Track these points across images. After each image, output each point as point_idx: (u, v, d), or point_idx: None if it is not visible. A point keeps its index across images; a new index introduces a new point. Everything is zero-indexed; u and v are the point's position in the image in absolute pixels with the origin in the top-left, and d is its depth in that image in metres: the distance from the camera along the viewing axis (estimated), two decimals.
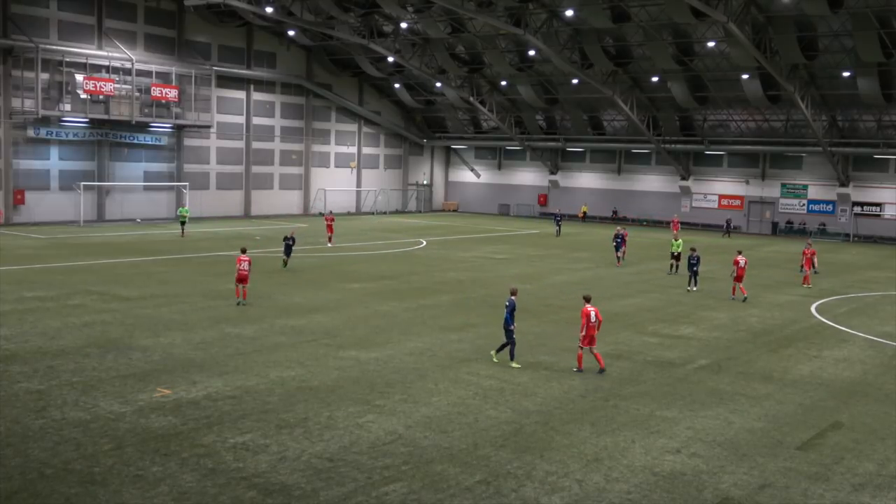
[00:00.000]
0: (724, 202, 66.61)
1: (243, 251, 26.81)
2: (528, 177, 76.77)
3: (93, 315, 23.66)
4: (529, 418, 15.37)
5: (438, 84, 67.13)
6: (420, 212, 77.59)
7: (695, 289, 31.71)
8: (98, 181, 55.54)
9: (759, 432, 15.01)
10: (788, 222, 63.39)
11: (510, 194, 77.68)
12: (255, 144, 65.74)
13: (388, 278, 32.64)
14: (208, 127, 60.34)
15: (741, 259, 30.43)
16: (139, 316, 23.77)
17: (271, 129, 66.91)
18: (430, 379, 17.92)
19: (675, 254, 36.93)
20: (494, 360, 19.46)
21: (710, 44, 53.93)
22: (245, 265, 25.95)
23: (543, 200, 74.74)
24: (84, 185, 53.74)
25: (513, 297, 19.36)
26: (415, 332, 22.87)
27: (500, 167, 78.74)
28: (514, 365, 19.04)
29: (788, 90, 53.36)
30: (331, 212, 52.62)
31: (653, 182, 70.12)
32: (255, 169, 65.92)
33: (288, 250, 34.58)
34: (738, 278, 30.22)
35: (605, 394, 17.18)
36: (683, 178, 67.73)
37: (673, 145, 66.04)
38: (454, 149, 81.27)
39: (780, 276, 37.17)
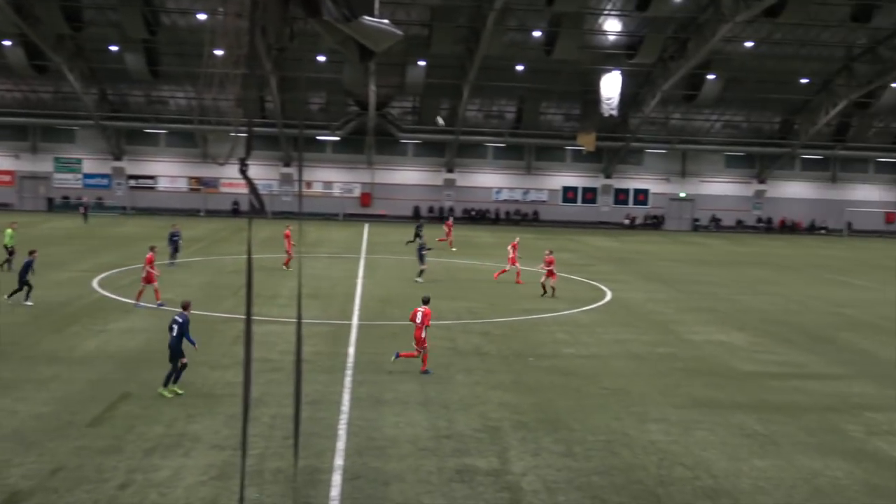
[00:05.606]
0: None
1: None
2: None
3: None
4: None
5: None
6: None
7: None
8: None
9: (48, 416, 14.37)
10: (64, 197, 62.19)
11: None
12: None
13: None
14: None
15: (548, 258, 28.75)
16: None
17: None
18: None
19: (11, 248, 29.94)
20: None
21: None
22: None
23: None
24: None
25: (185, 313, 16.11)
26: None
27: None
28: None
29: (56, 61, 52.00)
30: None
31: None
32: None
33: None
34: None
35: None
36: None
37: None
38: None
39: (61, 253, 36.06)
